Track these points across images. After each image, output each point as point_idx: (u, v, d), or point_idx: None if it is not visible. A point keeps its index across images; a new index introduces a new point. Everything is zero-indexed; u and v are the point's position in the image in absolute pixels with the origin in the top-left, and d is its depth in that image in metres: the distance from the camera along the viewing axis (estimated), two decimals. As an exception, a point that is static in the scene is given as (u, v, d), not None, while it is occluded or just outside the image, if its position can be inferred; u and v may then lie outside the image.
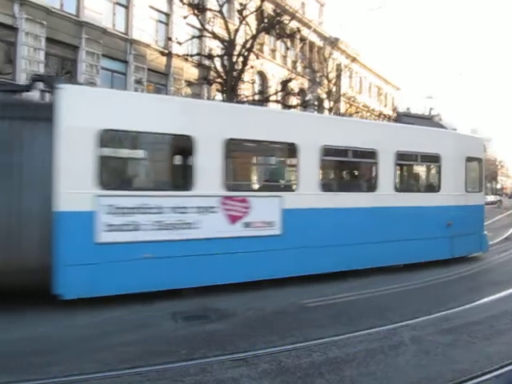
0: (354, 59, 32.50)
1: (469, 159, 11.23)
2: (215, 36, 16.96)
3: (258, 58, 19.80)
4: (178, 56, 18.67)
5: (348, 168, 10.39)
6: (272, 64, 29.01)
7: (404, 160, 10.53)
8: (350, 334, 5.59)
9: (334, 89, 28.24)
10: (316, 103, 28.15)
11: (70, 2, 18.82)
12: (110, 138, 7.06)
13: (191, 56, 18.21)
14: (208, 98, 21.57)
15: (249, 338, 5.48)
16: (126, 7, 21.17)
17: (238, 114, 8.40)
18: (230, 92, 16.36)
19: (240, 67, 16.70)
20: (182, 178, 8.20)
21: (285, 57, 31.07)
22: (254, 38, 16.87)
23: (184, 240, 7.18)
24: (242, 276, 7.70)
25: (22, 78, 16.86)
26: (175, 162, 8.93)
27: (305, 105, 21.52)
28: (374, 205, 9.26)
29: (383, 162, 9.46)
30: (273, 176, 9.67)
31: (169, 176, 8.92)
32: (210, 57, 17.26)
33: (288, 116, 10.19)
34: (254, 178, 10.39)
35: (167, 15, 22.91)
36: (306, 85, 28.83)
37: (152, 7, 22.08)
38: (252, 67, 18.71)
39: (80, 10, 18.97)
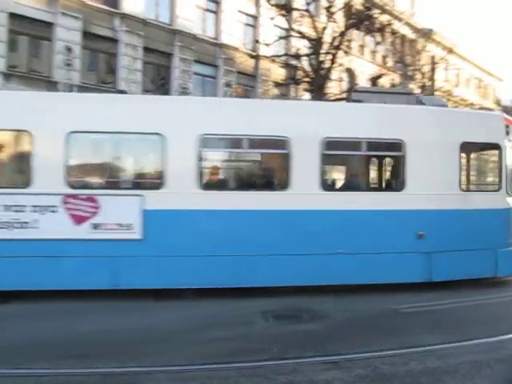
0: (450, 50, 30.55)
1: (469, 145, 8.29)
2: (302, 35, 16.92)
3: (346, 54, 19.39)
4: (266, 57, 18.90)
5: (245, 161, 8.33)
6: (361, 60, 28.18)
7: (338, 149, 7.91)
8: (451, 344, 5.20)
9: (428, 83, 26.70)
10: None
11: (164, 12, 19.95)
12: None
13: (278, 57, 18.35)
14: (297, 98, 21.52)
15: (342, 340, 5.33)
16: (216, 13, 21.92)
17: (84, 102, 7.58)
18: (318, 91, 16.20)
19: (328, 65, 16.46)
20: (19, 175, 7.35)
21: (374, 52, 30.04)
22: (342, 34, 16.57)
23: (21, 240, 6.63)
24: (93, 282, 6.75)
25: (121, 86, 18.19)
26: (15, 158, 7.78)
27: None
28: (285, 207, 7.27)
29: (300, 153, 7.29)
30: (131, 172, 7.71)
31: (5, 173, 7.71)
32: (297, 56, 17.27)
33: (151, 101, 8.47)
34: (109, 173, 7.75)
35: (255, 18, 23.31)
36: (397, 80, 27.63)
37: (240, 11, 22.60)
38: (340, 65, 18.37)
39: (173, 19, 20.02)
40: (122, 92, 10.03)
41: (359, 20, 17.26)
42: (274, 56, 18.34)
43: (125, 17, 18.23)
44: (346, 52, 19.07)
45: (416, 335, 5.56)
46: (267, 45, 17.64)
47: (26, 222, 6.69)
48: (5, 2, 15.34)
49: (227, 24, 21.89)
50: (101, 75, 18.44)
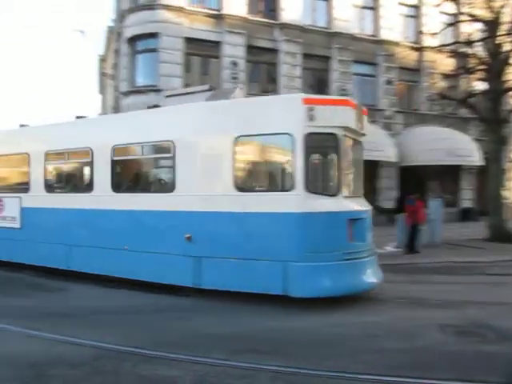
0: None
1: (250, 139, 7.10)
2: (475, 18, 15.12)
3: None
4: (432, 48, 17.46)
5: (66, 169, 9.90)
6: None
7: (123, 155, 8.60)
8: None
9: None
10: None
11: (320, 17, 20.07)
12: None
13: (447, 46, 16.74)
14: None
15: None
16: (374, 9, 21.17)
17: None
18: (495, 79, 14.27)
19: (508, 48, 14.38)
20: None
21: None
22: (525, 11, 14.30)
23: None
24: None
25: (283, 94, 18.81)
26: None
27: None
28: (89, 207, 8.59)
29: (100, 160, 8.51)
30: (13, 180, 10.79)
31: None
32: (469, 43, 15.49)
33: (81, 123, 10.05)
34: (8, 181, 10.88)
35: (417, 8, 21.83)
36: None
37: (401, 3, 21.44)
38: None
39: (330, 22, 19.98)
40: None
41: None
42: (441, 46, 16.81)
43: (284, 26, 18.84)
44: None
45: None
46: (434, 34, 16.25)
47: None
48: (180, 28, 17.26)
49: (386, 19, 20.95)
50: (263, 85, 19.37)
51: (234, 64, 17.87)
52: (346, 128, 6.84)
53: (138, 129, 8.24)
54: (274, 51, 18.99)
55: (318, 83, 20.16)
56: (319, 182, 7.35)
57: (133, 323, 6.09)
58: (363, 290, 7.01)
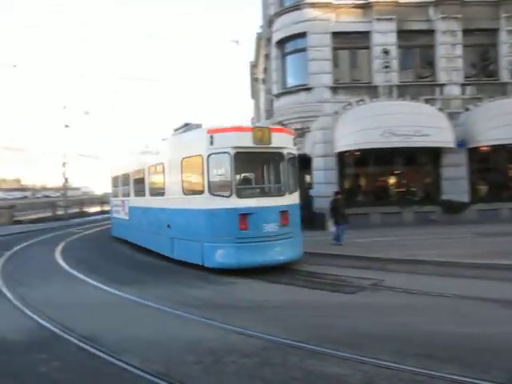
0: None
1: (185, 159, 10.53)
2: None
3: None
4: None
5: None
6: None
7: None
8: None
9: None
10: None
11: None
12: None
13: None
14: None
15: None
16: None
17: None
18: None
19: None
20: None
21: None
22: None
23: None
24: None
25: (441, 77, 17.31)
26: None
27: None
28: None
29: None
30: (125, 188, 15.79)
31: None
32: None
33: None
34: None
35: None
36: None
37: None
38: None
39: (496, -11, 17.59)
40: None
41: None
42: None
43: (440, 3, 17.28)
44: None
45: None
46: None
47: None
48: (327, 24, 17.15)
49: None
50: (417, 71, 18.09)
51: (386, 52, 17.03)
52: (237, 147, 9.29)
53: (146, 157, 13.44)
54: (429, 32, 17.54)
55: (481, 60, 18.02)
56: (218, 187, 9.58)
57: (297, 318, 6.23)
58: (261, 266, 9.17)
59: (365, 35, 17.50)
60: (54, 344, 5.36)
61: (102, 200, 54.89)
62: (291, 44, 18.21)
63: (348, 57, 18.14)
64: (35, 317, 6.48)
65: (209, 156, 9.41)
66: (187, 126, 11.07)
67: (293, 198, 10.10)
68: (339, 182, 17.23)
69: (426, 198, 17.73)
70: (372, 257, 10.66)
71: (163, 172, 11.50)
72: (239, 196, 9.32)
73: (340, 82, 17.59)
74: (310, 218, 16.64)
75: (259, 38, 30.16)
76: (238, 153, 9.28)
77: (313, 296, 7.50)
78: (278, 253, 9.40)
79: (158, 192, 12.10)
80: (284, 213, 9.52)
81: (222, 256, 9.34)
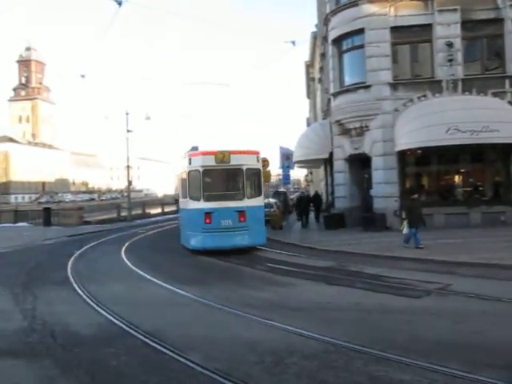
0: None
1: (183, 172, 14.69)
2: None
3: None
4: None
5: None
6: None
7: None
8: None
9: None
10: None
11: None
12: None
13: None
14: None
15: None
16: None
17: None
18: None
19: None
20: None
21: None
22: None
23: None
24: None
25: (511, 69, 16.25)
26: None
27: None
28: None
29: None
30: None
31: None
32: None
33: None
34: None
35: None
36: None
37: None
38: None
39: None
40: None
41: None
42: None
43: (509, -10, 16.25)
44: None
45: None
46: None
47: None
48: (386, 19, 16.65)
49: None
50: (484, 63, 17.11)
51: (449, 45, 16.21)
52: (204, 166, 13.16)
53: None
54: (496, 21, 16.51)
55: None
56: (194, 194, 13.48)
57: (359, 321, 6.07)
58: (225, 249, 12.76)
59: (426, 28, 16.81)
60: (122, 339, 5.59)
61: (163, 201, 56.89)
62: (348, 41, 17.89)
63: (408, 52, 17.50)
64: (104, 313, 6.80)
65: (189, 172, 13.54)
66: (192, 148, 15.63)
67: (252, 202, 13.49)
68: (400, 181, 16.68)
69: (496, 197, 16.71)
70: (437, 260, 10.21)
71: (181, 179, 14.90)
72: (206, 200, 13.15)
73: (400, 78, 17.03)
74: (370, 219, 16.26)
75: (314, 37, 29.95)
76: (205, 170, 13.23)
77: (376, 299, 7.28)
78: (234, 240, 12.97)
79: (181, 195, 15.31)
80: (241, 212, 13.09)
81: (195, 241, 13.35)
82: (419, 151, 16.41)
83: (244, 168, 13.39)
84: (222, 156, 13.16)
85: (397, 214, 15.58)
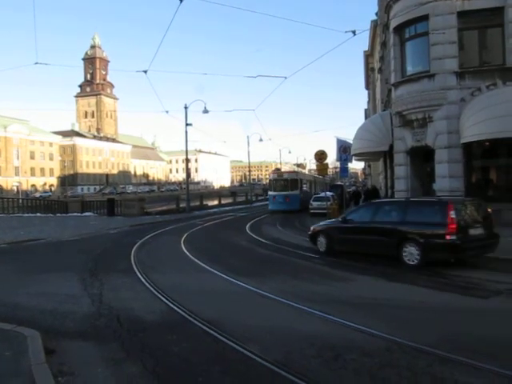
0: None
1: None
2: None
3: None
4: None
5: None
6: None
7: None
8: None
9: None
10: None
11: None
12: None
13: None
14: None
15: None
16: None
17: None
18: None
19: None
20: None
21: None
22: None
23: None
24: None
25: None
26: None
27: None
28: None
29: None
30: None
31: None
32: None
33: None
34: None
35: None
36: None
37: None
38: None
39: None
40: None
41: None
42: None
43: None
44: None
45: None
46: None
47: None
48: (452, 4, 15.78)
49: None
50: None
51: (523, 29, 15.12)
52: (273, 178, 34.33)
53: None
54: (496, 10, 15.15)
55: None
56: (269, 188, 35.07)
57: (423, 320, 5.86)
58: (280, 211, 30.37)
59: (497, 11, 15.67)
60: (182, 326, 5.76)
61: (220, 194, 57.88)
62: (411, 29, 17.10)
63: (476, 37, 16.41)
64: (165, 300, 7.04)
65: (269, 180, 35.44)
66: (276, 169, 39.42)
67: (291, 192, 31.32)
68: (466, 175, 15.84)
69: None
70: (507, 258, 9.61)
71: (268, 182, 32.00)
72: (273, 191, 32.86)
73: (466, 66, 16.05)
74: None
75: (375, 25, 29.04)
76: (273, 178, 33.58)
77: (440, 298, 7.00)
78: (282, 206, 31.16)
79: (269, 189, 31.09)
80: (286, 196, 31.22)
81: (270, 207, 32.41)
82: (487, 143, 15.48)
83: (289, 178, 31.84)
84: (280, 173, 29.90)
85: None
